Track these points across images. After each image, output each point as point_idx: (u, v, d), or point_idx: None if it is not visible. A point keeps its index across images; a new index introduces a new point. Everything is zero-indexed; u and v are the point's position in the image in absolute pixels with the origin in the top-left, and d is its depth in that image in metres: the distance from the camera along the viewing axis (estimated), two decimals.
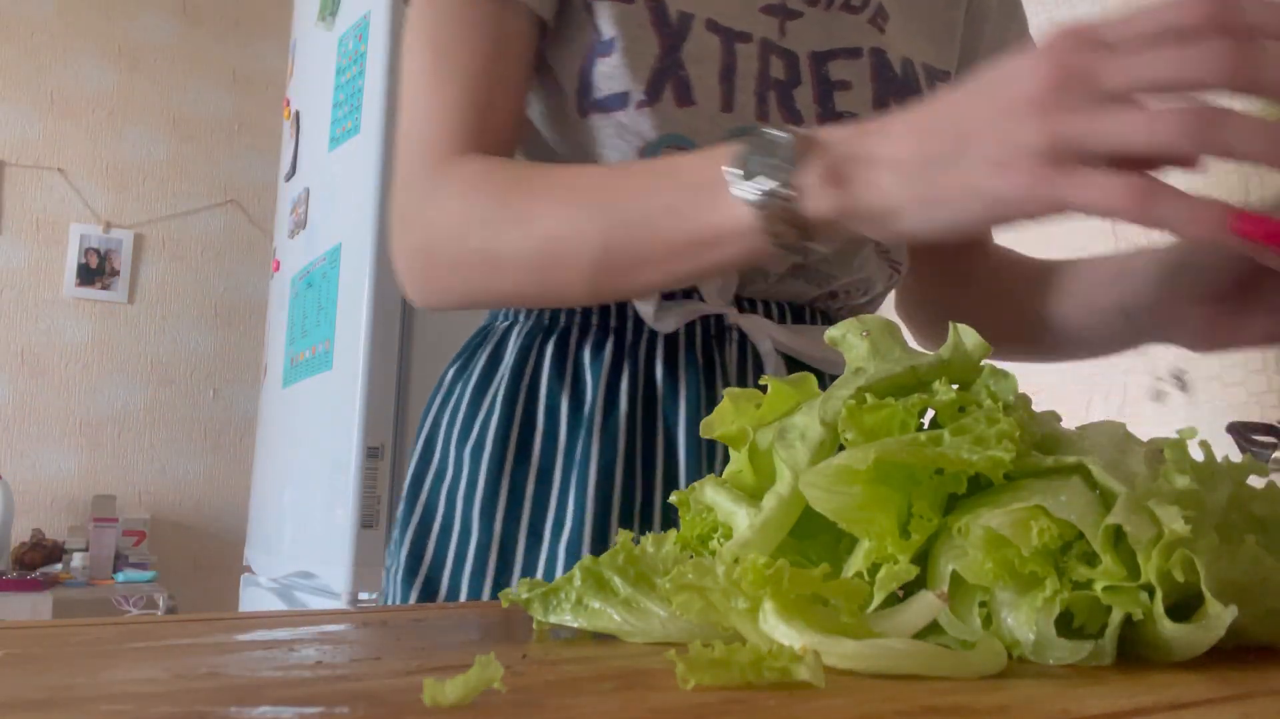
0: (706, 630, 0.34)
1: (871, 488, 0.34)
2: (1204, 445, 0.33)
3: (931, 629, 0.32)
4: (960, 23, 0.82)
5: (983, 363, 0.40)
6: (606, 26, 0.69)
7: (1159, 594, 0.29)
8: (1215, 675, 0.29)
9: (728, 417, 0.42)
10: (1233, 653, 0.33)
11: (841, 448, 0.36)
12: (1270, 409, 1.49)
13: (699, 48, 0.69)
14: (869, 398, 0.37)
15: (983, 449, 0.33)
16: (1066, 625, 0.31)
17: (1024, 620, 0.31)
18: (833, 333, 0.42)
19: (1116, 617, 0.30)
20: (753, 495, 0.40)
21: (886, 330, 0.41)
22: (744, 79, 0.70)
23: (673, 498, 0.42)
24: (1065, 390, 1.82)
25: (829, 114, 0.73)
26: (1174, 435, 0.34)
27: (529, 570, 0.67)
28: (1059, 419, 0.39)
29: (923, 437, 0.34)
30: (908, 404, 0.36)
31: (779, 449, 0.38)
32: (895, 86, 0.75)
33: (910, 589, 0.36)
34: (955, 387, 0.38)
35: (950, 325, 0.39)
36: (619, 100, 0.69)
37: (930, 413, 0.37)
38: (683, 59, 0.69)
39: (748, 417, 0.42)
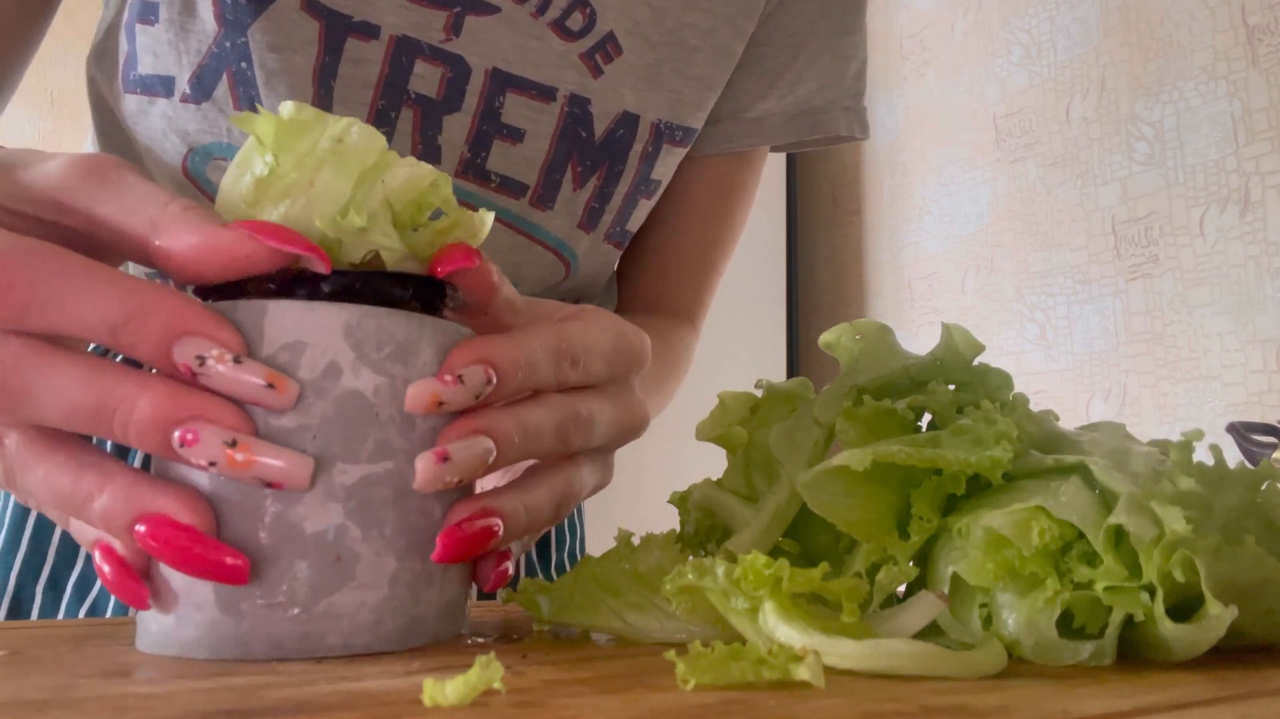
0: (706, 630, 0.34)
1: (870, 489, 0.34)
2: (1214, 449, 0.33)
3: (931, 629, 0.32)
4: (738, 53, 0.62)
5: (976, 362, 0.40)
6: None
7: (1160, 594, 0.29)
8: (1215, 675, 0.29)
9: (724, 418, 0.42)
10: (1233, 653, 0.33)
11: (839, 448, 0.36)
12: (1270, 409, 1.49)
13: (281, 31, 0.49)
14: (866, 399, 0.37)
15: (981, 450, 0.33)
16: (1067, 625, 0.31)
17: (1024, 621, 0.31)
18: (827, 337, 0.42)
19: (1117, 617, 0.30)
20: (750, 497, 0.40)
21: (880, 333, 0.41)
22: (350, 86, 0.51)
23: (670, 498, 0.42)
24: (1065, 390, 1.82)
25: (475, 170, 0.54)
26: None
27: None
28: (1057, 419, 0.39)
29: (921, 437, 0.34)
30: (905, 405, 0.36)
31: (776, 450, 0.38)
32: (588, 153, 0.56)
33: (910, 589, 0.36)
34: (951, 387, 0.38)
35: (942, 325, 0.39)
36: (162, 85, 0.52)
37: (927, 413, 0.38)
38: (248, 44, 0.49)
39: (743, 419, 0.42)
